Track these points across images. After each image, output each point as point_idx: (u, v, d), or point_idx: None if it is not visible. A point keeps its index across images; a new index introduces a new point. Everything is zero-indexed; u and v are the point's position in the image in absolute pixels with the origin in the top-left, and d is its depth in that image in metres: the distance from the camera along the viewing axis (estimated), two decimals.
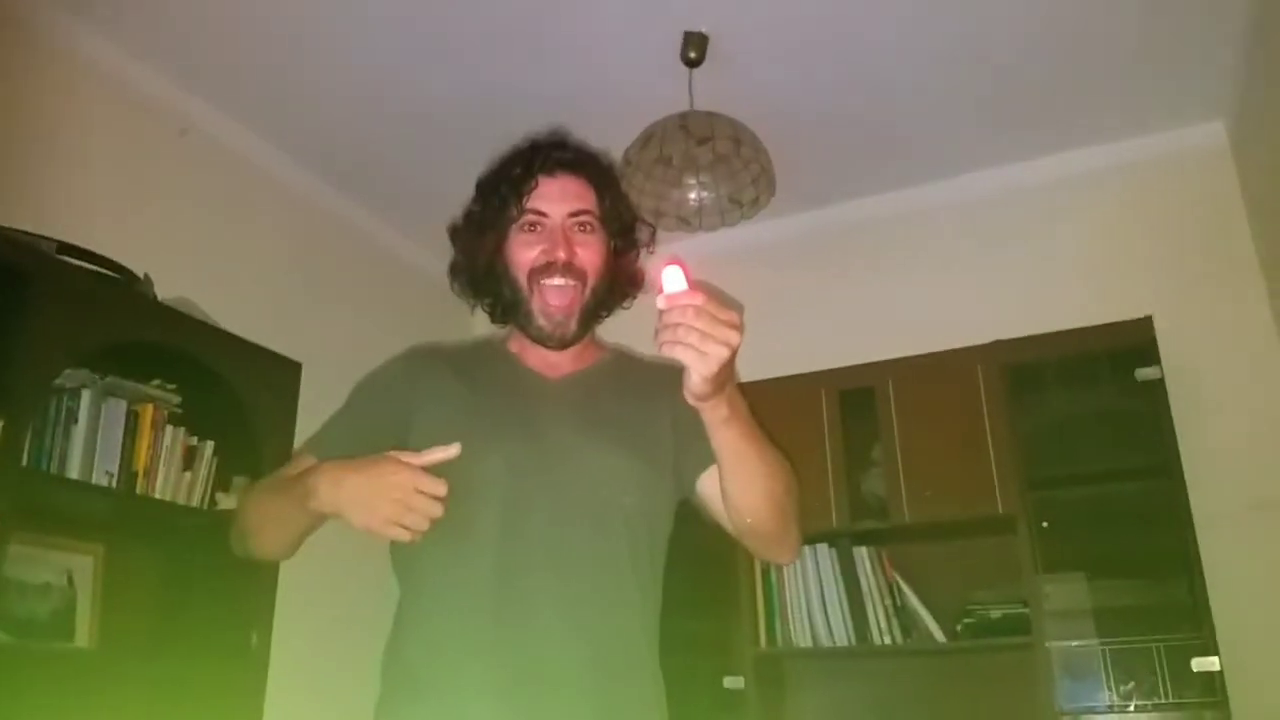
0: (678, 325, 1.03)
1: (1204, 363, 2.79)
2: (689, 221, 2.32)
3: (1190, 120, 2.97)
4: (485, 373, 1.39)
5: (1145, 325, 2.65)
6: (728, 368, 1.07)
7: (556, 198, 1.36)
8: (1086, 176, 3.13)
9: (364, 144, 3.02)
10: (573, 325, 1.36)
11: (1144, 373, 2.62)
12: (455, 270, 1.45)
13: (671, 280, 1.04)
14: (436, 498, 1.14)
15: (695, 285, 1.05)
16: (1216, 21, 2.51)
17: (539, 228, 1.36)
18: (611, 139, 2.30)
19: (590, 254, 1.37)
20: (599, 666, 1.24)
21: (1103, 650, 2.57)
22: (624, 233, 1.43)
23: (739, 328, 1.05)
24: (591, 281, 1.36)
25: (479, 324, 1.53)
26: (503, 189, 1.38)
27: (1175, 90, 2.85)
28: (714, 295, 1.05)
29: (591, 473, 1.29)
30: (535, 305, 1.35)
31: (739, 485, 1.25)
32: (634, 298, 1.45)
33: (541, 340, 1.36)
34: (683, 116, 2.22)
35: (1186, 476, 2.50)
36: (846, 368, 2.97)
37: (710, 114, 2.23)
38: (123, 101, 2.61)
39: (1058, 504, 2.71)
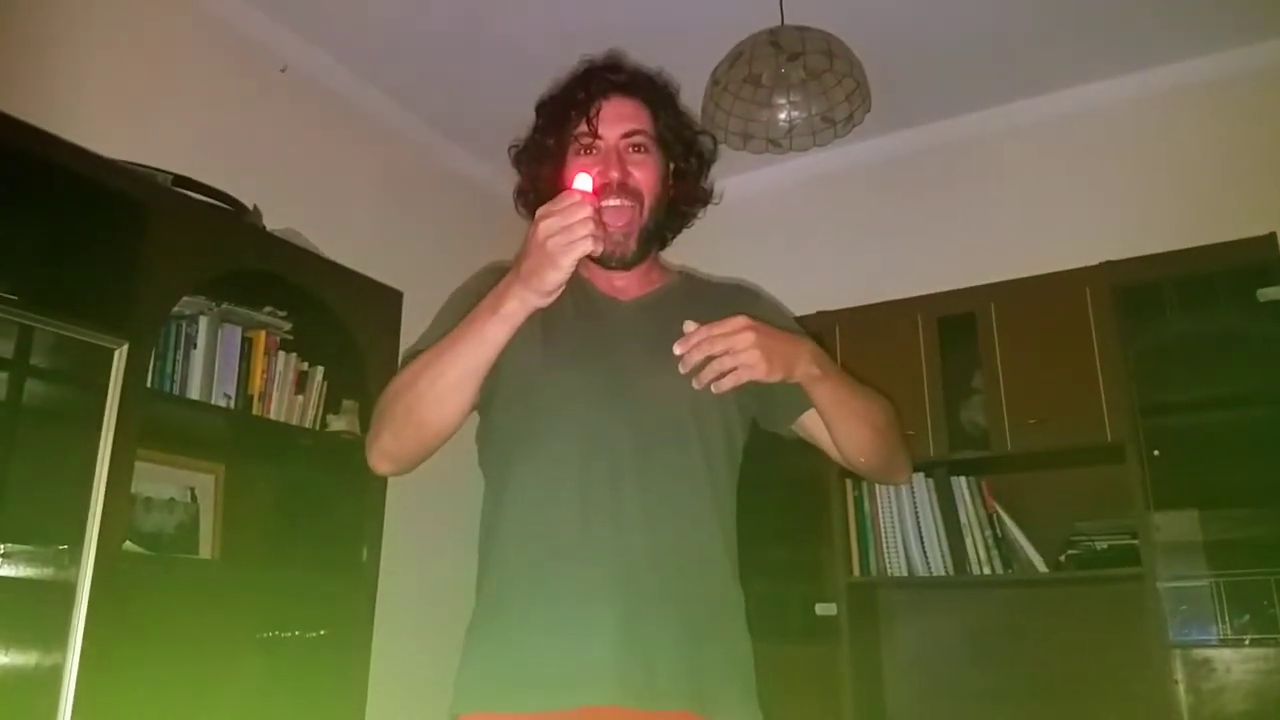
0: (719, 364, 1.19)
1: None
2: (779, 143, 2.28)
3: None
4: (565, 296, 1.37)
5: (1268, 242, 2.51)
6: (779, 356, 1.22)
7: (610, 119, 1.38)
8: (1199, 86, 2.95)
9: (455, 80, 3.06)
10: (632, 244, 1.37)
11: (1266, 293, 2.49)
12: (520, 194, 1.48)
13: (581, 182, 1.19)
14: (572, 213, 1.16)
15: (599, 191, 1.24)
16: None
17: (594, 150, 1.38)
18: (700, 58, 2.30)
19: (645, 173, 1.38)
20: (681, 574, 1.27)
21: (1216, 584, 2.48)
22: (684, 150, 1.44)
23: (746, 329, 1.20)
24: (648, 201, 1.38)
25: None
26: (558, 114, 1.41)
27: None
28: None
29: (666, 392, 1.31)
30: (598, 224, 1.36)
31: (844, 431, 1.35)
32: (699, 215, 1.48)
33: (603, 261, 1.37)
34: (772, 32, 2.17)
35: None
36: (945, 293, 2.90)
37: (802, 28, 2.17)
38: (227, 41, 2.71)
39: (1171, 432, 2.59)
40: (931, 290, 2.91)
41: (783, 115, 2.27)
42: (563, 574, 1.25)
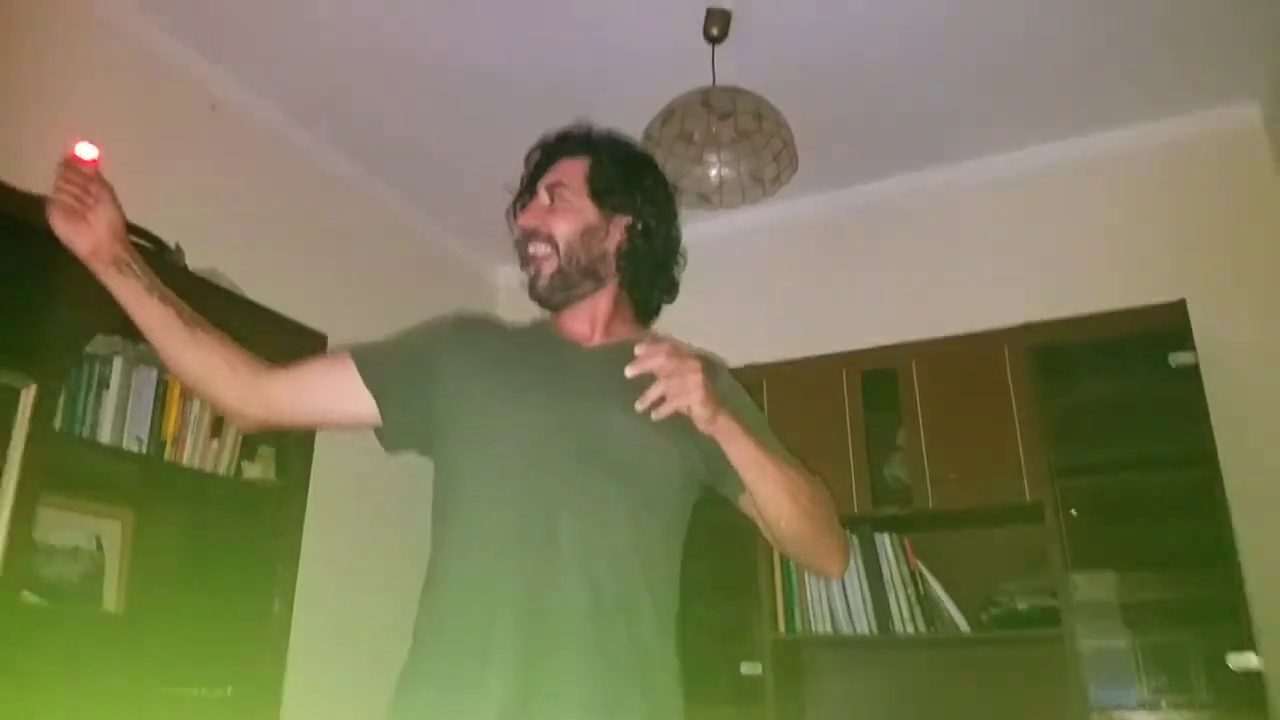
0: (659, 392, 1.23)
1: (1239, 347, 2.72)
2: (709, 199, 2.32)
3: (1223, 100, 2.91)
4: (524, 338, 1.52)
5: (1178, 309, 2.60)
6: (710, 391, 1.26)
7: (542, 178, 1.51)
8: (1117, 157, 3.08)
9: (387, 119, 3.06)
10: (543, 282, 1.47)
11: (1178, 358, 2.56)
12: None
13: (84, 150, 1.39)
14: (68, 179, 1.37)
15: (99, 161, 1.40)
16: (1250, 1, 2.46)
17: (529, 205, 1.51)
18: (634, 114, 2.33)
19: (559, 219, 1.47)
20: (603, 614, 1.26)
21: (1135, 645, 2.51)
22: (625, 196, 1.49)
23: (695, 361, 1.26)
24: (562, 245, 1.47)
25: (499, 300, 1.61)
26: (521, 180, 1.56)
27: (1208, 69, 2.80)
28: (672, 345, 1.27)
29: (612, 431, 1.34)
30: (524, 269, 1.50)
31: (764, 498, 1.35)
32: (672, 272, 1.56)
33: (534, 298, 1.49)
34: (704, 92, 2.22)
35: (1222, 464, 2.43)
36: (868, 349, 2.95)
37: (733, 89, 2.23)
38: (156, 74, 2.68)
39: (1087, 492, 2.65)
40: (855, 347, 2.96)
41: (713, 172, 2.32)
42: (486, 625, 1.25)
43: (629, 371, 1.24)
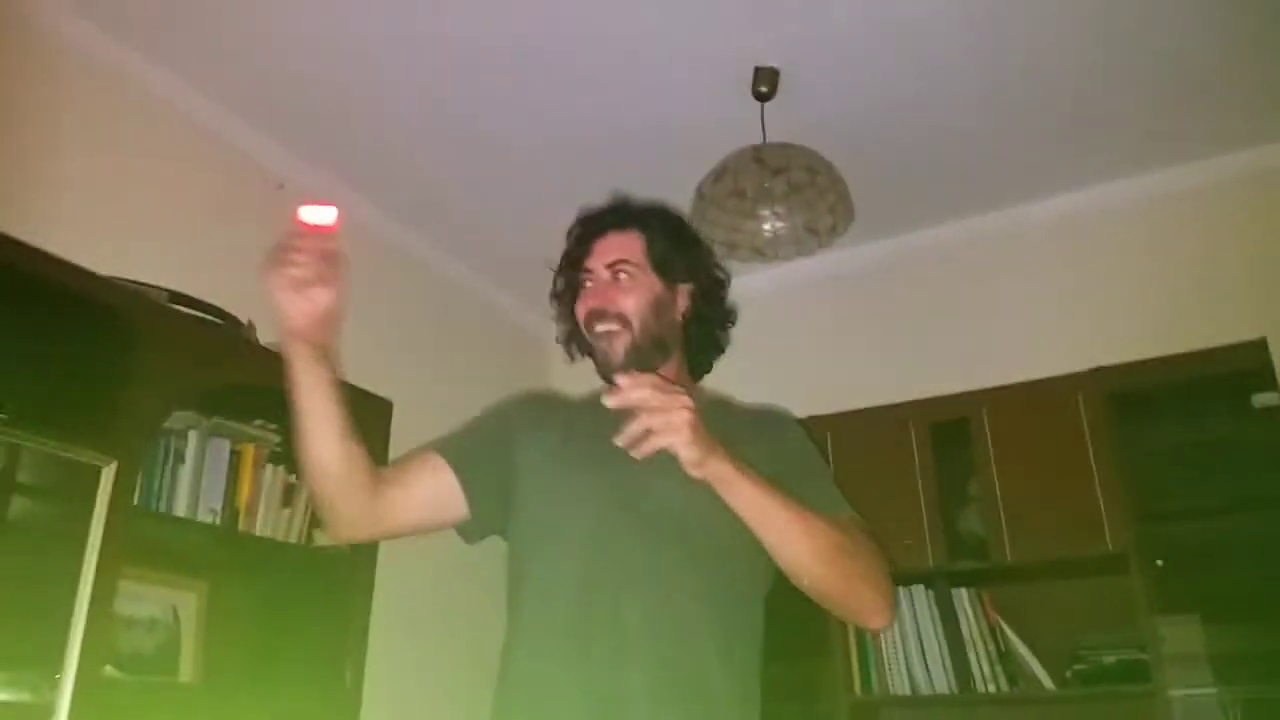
0: (642, 428, 1.17)
1: None
2: (764, 252, 2.32)
3: None
4: (588, 415, 1.47)
5: (1260, 348, 2.52)
6: (700, 432, 1.18)
7: (600, 254, 1.49)
8: (1189, 193, 3.00)
9: (443, 185, 3.13)
10: (618, 360, 1.44)
11: (1261, 399, 2.49)
12: (560, 337, 1.58)
13: (314, 214, 1.28)
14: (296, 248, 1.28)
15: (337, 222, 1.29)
16: None
17: (589, 284, 1.50)
18: (684, 174, 2.36)
19: (627, 298, 1.46)
20: (679, 692, 1.26)
21: (1227, 698, 2.40)
22: (686, 269, 1.52)
23: (686, 398, 1.19)
24: (635, 322, 1.45)
25: (555, 365, 1.63)
26: (565, 260, 1.54)
27: None
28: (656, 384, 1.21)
29: (674, 503, 1.32)
30: (596, 350, 1.47)
31: (774, 543, 1.27)
32: (725, 335, 1.57)
33: (606, 378, 1.45)
34: (756, 149, 2.23)
35: None
36: (937, 398, 2.90)
37: (785, 145, 2.24)
38: (224, 157, 2.78)
39: (1171, 540, 2.56)
40: (923, 395, 2.91)
41: (767, 226, 2.32)
42: (557, 694, 1.25)
43: (609, 403, 1.19)
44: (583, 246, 1.51)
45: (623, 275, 1.47)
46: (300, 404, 1.33)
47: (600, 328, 1.45)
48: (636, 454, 1.19)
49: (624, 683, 1.24)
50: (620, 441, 1.19)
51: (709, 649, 1.30)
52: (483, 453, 1.46)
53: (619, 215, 1.53)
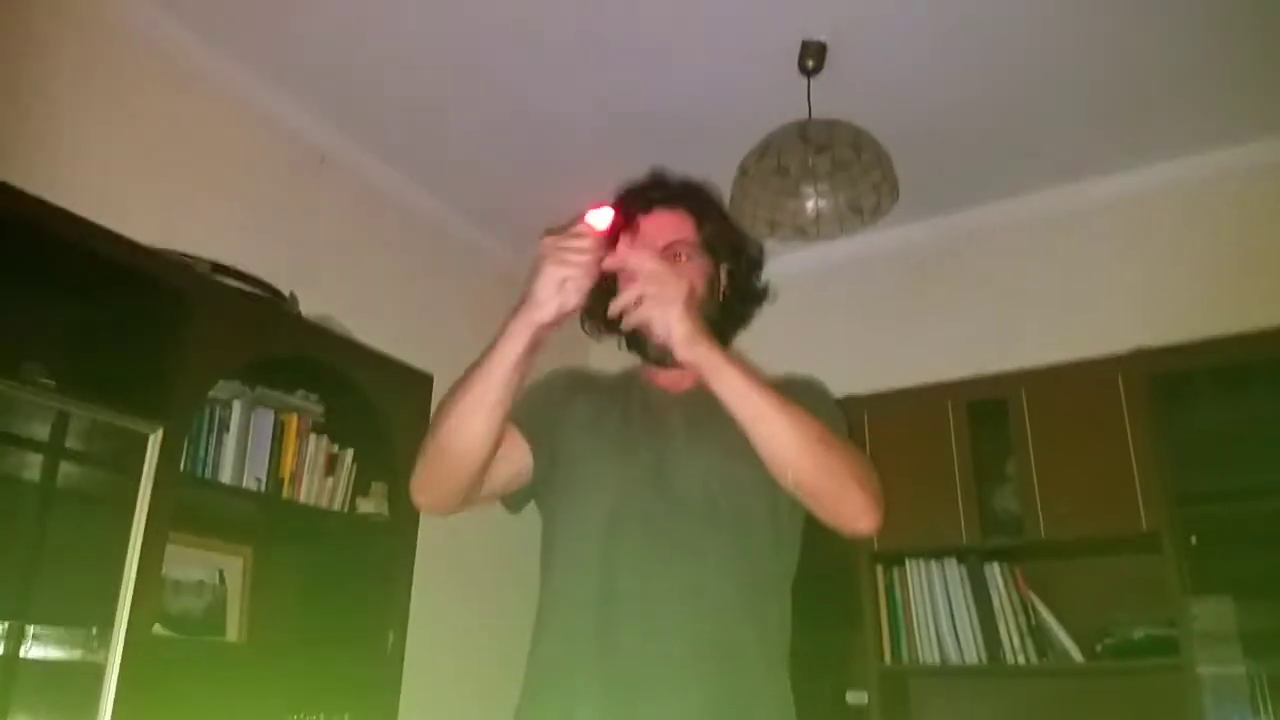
0: (636, 294, 1.20)
1: None
2: (806, 231, 2.30)
3: None
4: (621, 395, 1.49)
5: None
6: (693, 311, 1.23)
7: (650, 234, 1.43)
8: (1232, 175, 2.94)
9: (488, 167, 3.11)
10: None
11: None
12: (584, 313, 1.50)
13: (597, 218, 1.24)
14: (581, 248, 1.22)
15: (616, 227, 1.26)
16: None
17: None
18: (729, 150, 2.34)
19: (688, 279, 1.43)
20: (711, 661, 1.27)
21: (1257, 674, 2.41)
22: (731, 253, 1.51)
23: (686, 281, 1.24)
24: (693, 305, 1.41)
25: (590, 342, 1.60)
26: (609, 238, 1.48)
27: None
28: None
29: (703, 476, 1.34)
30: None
31: (761, 434, 1.26)
32: (756, 311, 1.54)
33: (659, 360, 1.41)
34: (801, 126, 2.21)
35: None
36: (975, 379, 2.88)
37: (830, 122, 2.21)
38: (268, 131, 2.78)
39: (1207, 520, 2.55)
40: (961, 376, 2.90)
41: (810, 204, 2.30)
42: (574, 675, 1.28)
43: (608, 265, 1.23)
44: (627, 225, 1.43)
45: (680, 257, 1.43)
46: (491, 378, 1.26)
47: None
48: (625, 323, 1.23)
49: (654, 655, 1.26)
50: (611, 308, 1.22)
51: (739, 622, 1.31)
52: (543, 427, 1.43)
53: (667, 192, 1.49)
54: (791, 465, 1.26)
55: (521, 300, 1.26)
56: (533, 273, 1.24)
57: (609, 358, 1.63)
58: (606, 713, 1.24)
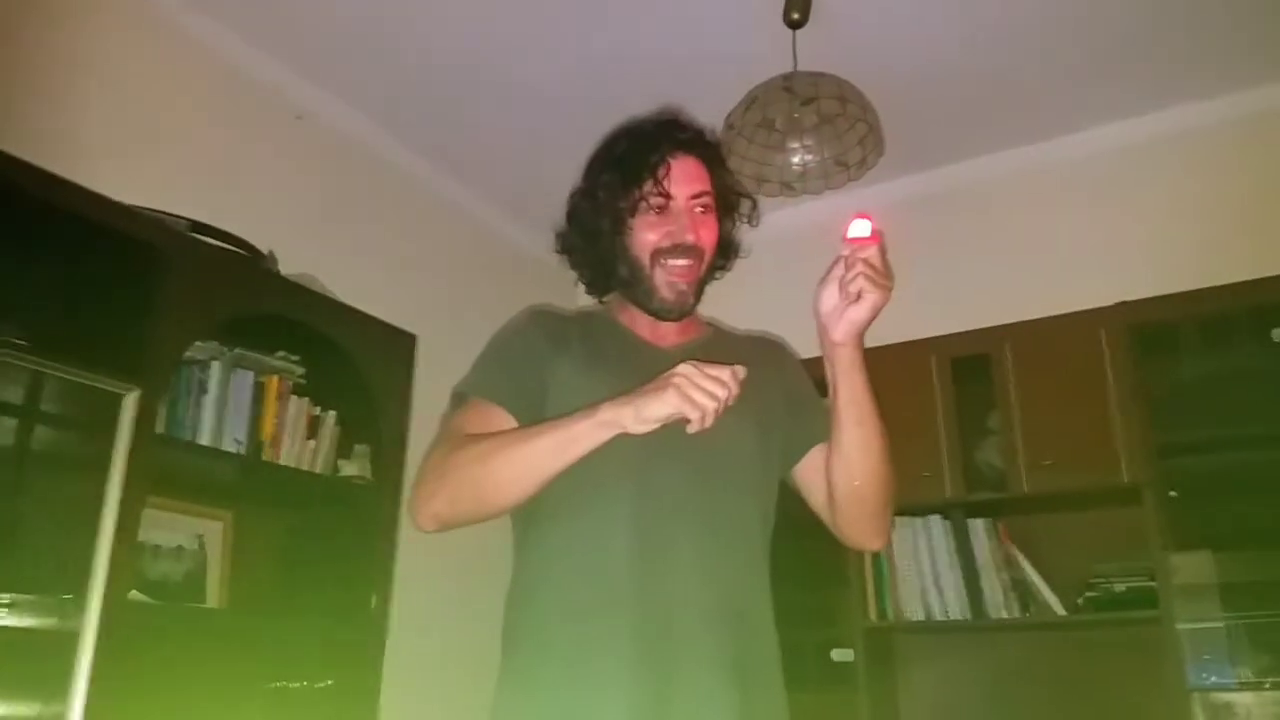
0: (861, 265, 1.23)
1: None
2: (793, 186, 2.29)
3: None
4: (603, 342, 1.43)
5: None
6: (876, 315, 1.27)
7: (679, 179, 1.39)
8: (1213, 127, 2.95)
9: (468, 123, 3.06)
10: (691, 299, 1.42)
11: None
12: (568, 246, 1.49)
13: (858, 228, 1.26)
14: (715, 394, 1.15)
15: (878, 235, 1.26)
16: None
17: (664, 210, 1.39)
18: (713, 103, 2.29)
19: (708, 233, 1.42)
20: (730, 622, 1.28)
21: (1235, 626, 2.44)
22: (733, 209, 1.49)
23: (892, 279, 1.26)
24: (707, 257, 1.42)
25: (582, 298, 1.57)
26: (625, 170, 1.40)
27: None
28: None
29: (716, 437, 1.28)
30: (658, 281, 1.39)
31: (862, 436, 1.30)
32: (730, 267, 1.52)
33: (660, 313, 1.40)
34: (786, 78, 2.18)
35: None
36: (959, 334, 2.89)
37: (815, 74, 2.19)
38: (244, 88, 2.72)
39: (1188, 473, 2.58)
40: (944, 331, 2.91)
41: (796, 159, 2.29)
42: (610, 628, 1.24)
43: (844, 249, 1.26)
44: (655, 166, 1.38)
45: (701, 209, 1.40)
46: (562, 457, 1.21)
47: (680, 261, 1.38)
48: (858, 285, 1.25)
49: (682, 607, 1.25)
50: (847, 280, 1.25)
51: (754, 582, 1.34)
52: (529, 392, 1.36)
53: (692, 137, 1.44)
54: (872, 475, 1.32)
55: (626, 402, 1.17)
56: (656, 387, 1.16)
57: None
58: (653, 667, 1.22)
